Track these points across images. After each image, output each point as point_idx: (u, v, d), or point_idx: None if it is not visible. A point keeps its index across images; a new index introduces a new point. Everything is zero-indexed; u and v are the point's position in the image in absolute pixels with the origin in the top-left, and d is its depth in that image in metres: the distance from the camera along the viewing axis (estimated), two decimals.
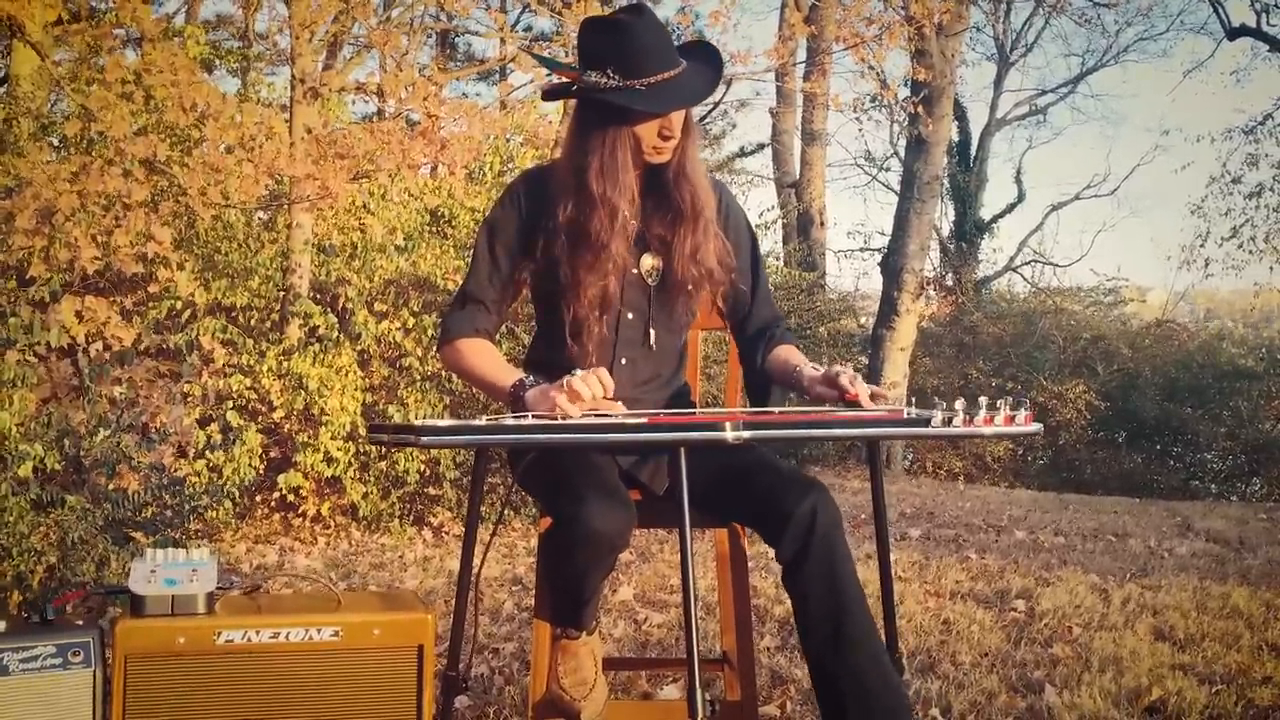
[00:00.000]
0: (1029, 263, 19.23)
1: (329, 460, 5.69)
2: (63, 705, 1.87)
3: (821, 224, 13.91)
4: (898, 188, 13.72)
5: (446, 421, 1.91)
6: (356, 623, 1.99)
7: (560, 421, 1.93)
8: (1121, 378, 13.48)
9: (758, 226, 9.60)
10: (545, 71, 7.41)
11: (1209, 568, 4.89)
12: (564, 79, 2.17)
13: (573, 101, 2.26)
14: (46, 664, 1.86)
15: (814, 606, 2.03)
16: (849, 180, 41.97)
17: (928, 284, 14.19)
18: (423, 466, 5.85)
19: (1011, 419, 1.97)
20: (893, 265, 10.80)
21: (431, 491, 6.03)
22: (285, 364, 5.77)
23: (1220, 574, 4.67)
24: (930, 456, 12.24)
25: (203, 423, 5.54)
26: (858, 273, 32.13)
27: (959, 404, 1.95)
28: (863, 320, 14.53)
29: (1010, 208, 19.23)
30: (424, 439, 1.85)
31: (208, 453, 5.31)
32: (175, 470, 4.44)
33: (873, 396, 2.06)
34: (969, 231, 17.84)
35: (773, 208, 11.13)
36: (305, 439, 5.71)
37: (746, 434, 1.88)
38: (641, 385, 2.30)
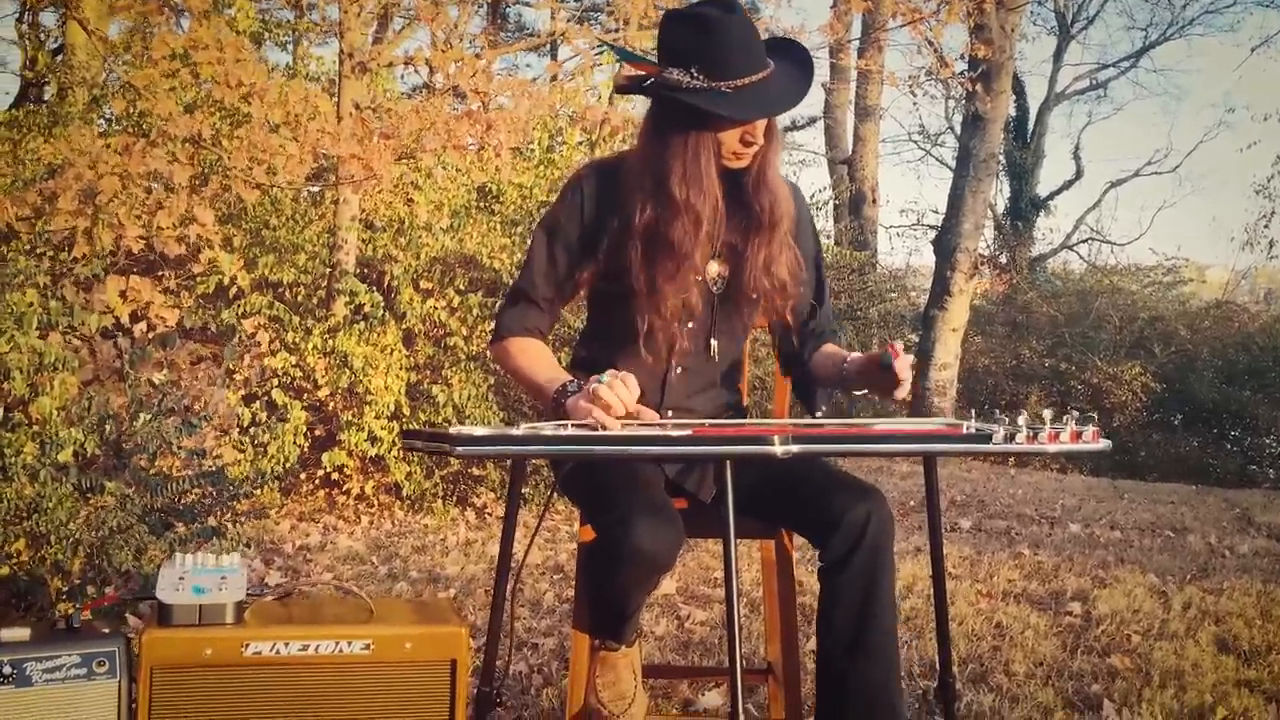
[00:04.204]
0: (1085, 240, 18.86)
1: (373, 439, 5.66)
2: (87, 716, 1.82)
3: (874, 201, 13.71)
4: (952, 163, 13.47)
5: (482, 430, 1.84)
6: (388, 635, 1.92)
7: (601, 432, 1.84)
8: (1179, 359, 13.14)
9: (810, 205, 9.44)
10: (594, 52, 7.28)
11: (1272, 569, 4.72)
12: (642, 73, 2.04)
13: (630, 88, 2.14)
14: (71, 674, 1.81)
15: (842, 608, 1.97)
16: (902, 155, 41.68)
17: (982, 263, 13.91)
18: None
19: (1078, 435, 1.87)
20: (946, 244, 10.56)
21: (475, 472, 5.99)
22: (330, 342, 5.74)
23: None
24: None
25: (248, 400, 5.53)
26: (909, 249, 31.73)
27: (1022, 419, 1.85)
28: (913, 296, 14.31)
29: (1068, 184, 18.87)
30: (459, 449, 1.77)
31: (252, 429, 5.30)
32: (218, 451, 4.42)
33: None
34: (1024, 209, 17.52)
35: (825, 188, 10.93)
36: (350, 417, 5.68)
37: (795, 448, 1.78)
38: (697, 394, 2.20)
